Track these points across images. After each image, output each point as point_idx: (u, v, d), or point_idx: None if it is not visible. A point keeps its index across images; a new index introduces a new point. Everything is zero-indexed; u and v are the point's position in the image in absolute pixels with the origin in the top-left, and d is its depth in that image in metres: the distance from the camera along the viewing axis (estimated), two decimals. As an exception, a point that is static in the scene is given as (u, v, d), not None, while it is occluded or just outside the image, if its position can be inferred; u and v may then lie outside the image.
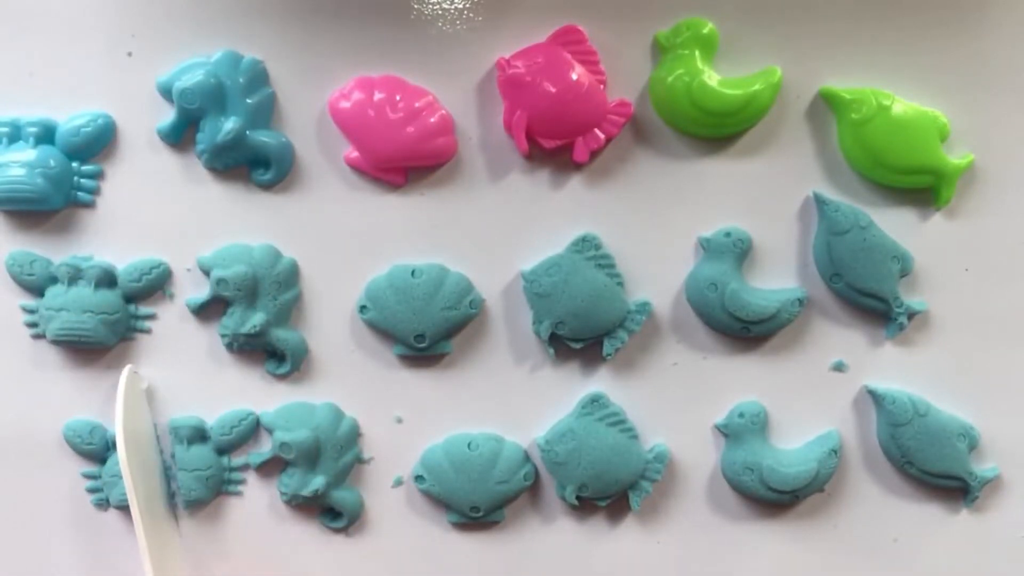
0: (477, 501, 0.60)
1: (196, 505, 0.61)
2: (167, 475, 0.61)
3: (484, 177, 0.59)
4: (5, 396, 0.61)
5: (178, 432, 0.60)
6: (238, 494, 0.61)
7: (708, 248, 0.58)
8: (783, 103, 0.58)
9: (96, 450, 0.61)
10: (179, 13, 0.58)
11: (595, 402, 0.59)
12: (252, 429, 0.61)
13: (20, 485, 0.62)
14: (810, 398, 0.60)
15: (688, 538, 0.61)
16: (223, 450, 0.61)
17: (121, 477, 0.57)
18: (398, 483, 0.61)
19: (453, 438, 0.60)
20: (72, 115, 0.59)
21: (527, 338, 0.60)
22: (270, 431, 0.60)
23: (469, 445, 0.59)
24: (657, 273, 0.59)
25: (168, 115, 0.58)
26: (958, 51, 0.57)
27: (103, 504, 0.62)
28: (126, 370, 0.58)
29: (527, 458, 0.60)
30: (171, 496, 0.61)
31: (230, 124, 0.57)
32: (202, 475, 0.60)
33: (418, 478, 0.60)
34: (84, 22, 0.58)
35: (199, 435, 0.60)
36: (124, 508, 0.60)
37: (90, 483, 0.62)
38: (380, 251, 0.59)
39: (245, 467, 0.61)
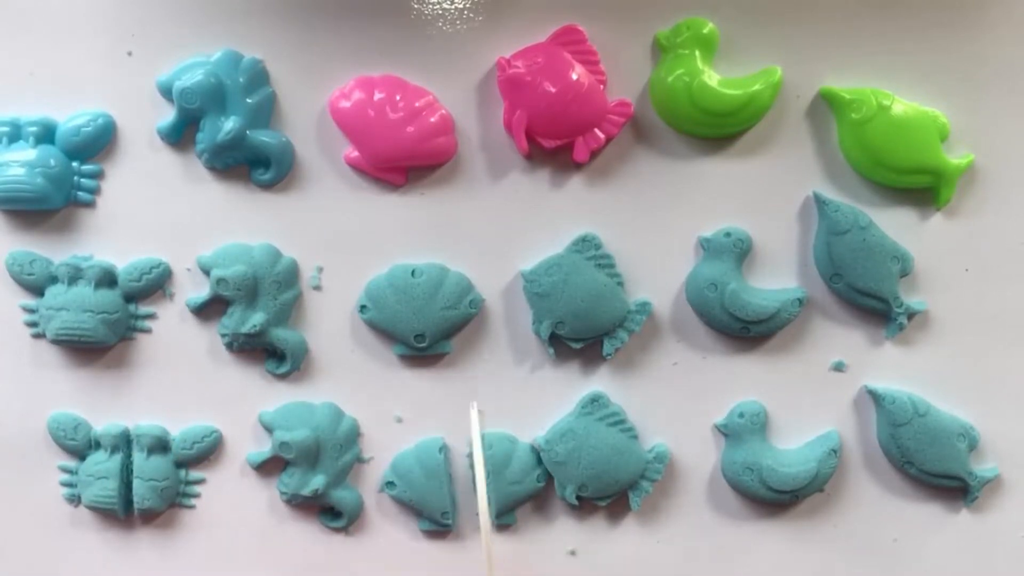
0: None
1: (148, 514, 0.61)
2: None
3: (484, 177, 0.59)
4: (5, 396, 0.61)
5: (140, 439, 0.60)
6: (191, 507, 0.61)
7: (708, 248, 0.58)
8: (783, 103, 0.58)
9: (77, 447, 0.60)
10: (179, 13, 0.58)
11: (595, 402, 0.59)
12: (214, 446, 0.61)
13: (20, 485, 0.62)
14: (810, 398, 0.60)
15: (688, 538, 0.61)
16: (182, 463, 0.61)
17: (97, 478, 0.58)
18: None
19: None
20: (72, 115, 0.59)
21: (527, 338, 0.60)
22: (270, 430, 0.60)
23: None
24: (657, 273, 0.59)
25: (168, 115, 0.58)
26: (958, 51, 0.57)
27: (74, 500, 0.61)
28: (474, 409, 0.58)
29: (540, 460, 0.60)
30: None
31: (230, 124, 0.57)
32: (157, 485, 0.60)
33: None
34: (84, 22, 0.59)
35: (160, 445, 0.60)
36: (94, 508, 0.60)
37: (64, 476, 0.61)
38: (380, 251, 0.59)
39: (201, 482, 0.61)
